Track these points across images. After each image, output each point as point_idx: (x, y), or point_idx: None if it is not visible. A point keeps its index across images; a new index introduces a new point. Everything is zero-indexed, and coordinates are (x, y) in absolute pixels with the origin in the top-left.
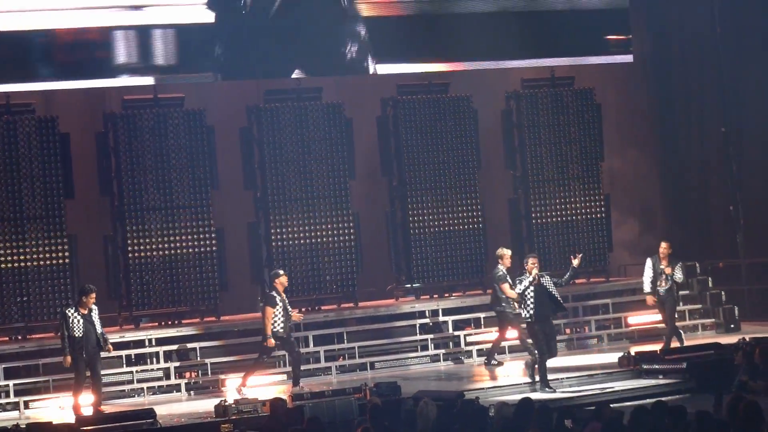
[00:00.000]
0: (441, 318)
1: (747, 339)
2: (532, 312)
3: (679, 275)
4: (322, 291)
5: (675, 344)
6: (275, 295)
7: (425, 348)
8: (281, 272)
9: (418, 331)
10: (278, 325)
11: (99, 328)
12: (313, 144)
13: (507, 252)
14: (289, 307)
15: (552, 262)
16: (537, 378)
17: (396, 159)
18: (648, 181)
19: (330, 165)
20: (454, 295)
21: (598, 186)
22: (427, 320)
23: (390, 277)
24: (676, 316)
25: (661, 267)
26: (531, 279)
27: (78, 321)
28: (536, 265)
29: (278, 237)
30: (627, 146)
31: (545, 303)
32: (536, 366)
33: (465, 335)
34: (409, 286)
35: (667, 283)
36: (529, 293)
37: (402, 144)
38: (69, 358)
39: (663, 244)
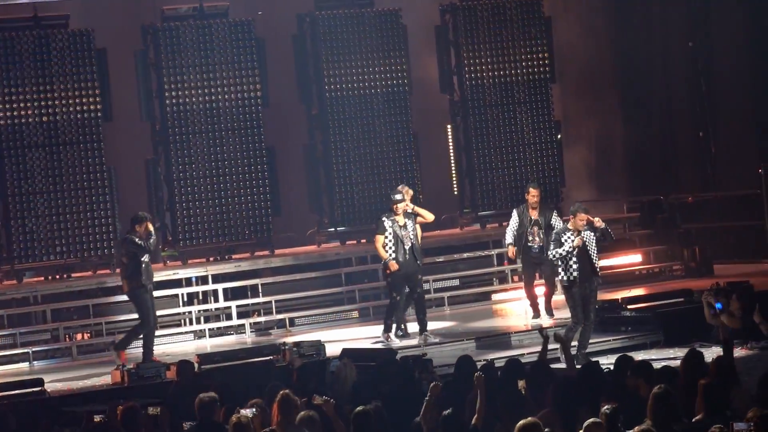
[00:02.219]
0: (370, 266)
1: (721, 284)
2: (576, 275)
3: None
4: (232, 237)
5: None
6: (385, 219)
7: (352, 301)
8: (398, 196)
9: (343, 282)
10: (391, 254)
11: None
12: (219, 68)
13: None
14: (411, 232)
15: (496, 199)
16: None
17: (315, 83)
18: (605, 103)
19: (239, 92)
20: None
21: (548, 112)
22: (353, 269)
23: (311, 220)
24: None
25: (531, 217)
26: (575, 243)
27: (141, 250)
28: (584, 221)
29: (180, 176)
30: (580, 66)
31: (586, 262)
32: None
33: None
34: (332, 230)
35: (539, 240)
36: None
37: (322, 66)
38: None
39: (532, 191)
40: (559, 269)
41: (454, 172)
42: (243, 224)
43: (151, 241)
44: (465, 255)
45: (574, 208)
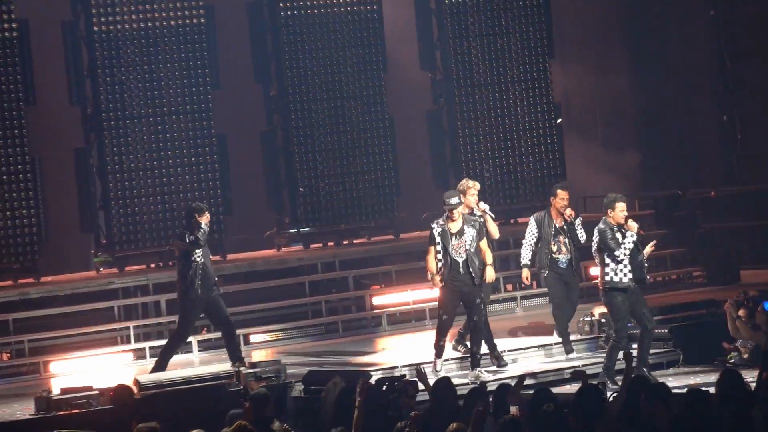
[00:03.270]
0: (338, 273)
1: (750, 293)
2: (629, 278)
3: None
4: (175, 241)
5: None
6: (434, 225)
7: (317, 314)
8: (454, 199)
9: (307, 292)
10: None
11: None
12: (162, 42)
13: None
14: (469, 242)
15: (486, 194)
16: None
17: (275, 60)
18: (614, 85)
19: (185, 69)
20: (355, 242)
21: (546, 93)
22: (318, 276)
23: (269, 220)
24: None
25: (556, 225)
26: (634, 238)
27: (199, 245)
28: (625, 212)
29: (115, 168)
30: (585, 39)
31: (637, 263)
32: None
33: (371, 295)
34: (294, 231)
35: (566, 251)
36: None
37: (282, 40)
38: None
39: (564, 193)
40: (609, 270)
41: (436, 162)
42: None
43: (200, 233)
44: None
45: (609, 200)
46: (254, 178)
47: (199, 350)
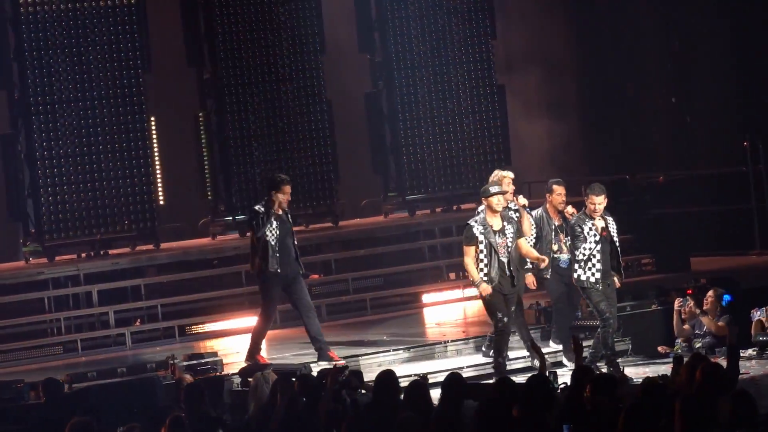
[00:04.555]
0: None
1: (702, 281)
2: (598, 276)
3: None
4: (108, 228)
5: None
6: (474, 224)
7: (255, 304)
8: (495, 187)
9: (244, 281)
10: (484, 271)
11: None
12: (93, 26)
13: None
14: (510, 239)
15: (427, 181)
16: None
17: (207, 41)
18: (557, 65)
19: (116, 53)
20: (293, 229)
21: (489, 75)
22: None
23: (204, 208)
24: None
25: (555, 223)
26: (597, 233)
27: (271, 223)
28: (601, 204)
29: (44, 154)
30: (528, 17)
31: (610, 257)
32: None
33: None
34: (230, 219)
35: (567, 250)
36: (595, 247)
37: (216, 21)
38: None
39: (557, 188)
40: (577, 267)
41: (376, 146)
42: (122, 213)
43: (261, 219)
44: (390, 248)
45: (590, 190)
46: (187, 163)
47: (133, 343)
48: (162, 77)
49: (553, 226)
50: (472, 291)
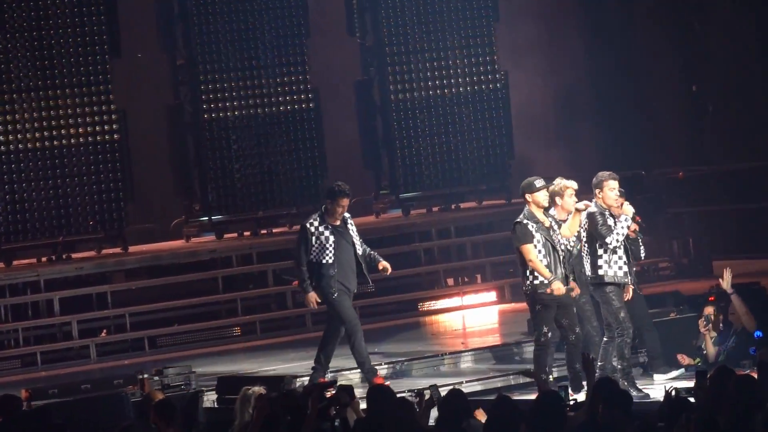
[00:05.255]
0: (255, 266)
1: (721, 287)
2: (626, 267)
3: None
4: (72, 230)
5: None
6: (527, 221)
7: (232, 313)
8: (539, 182)
9: (220, 288)
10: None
11: (360, 246)
12: (56, 7)
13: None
14: (559, 237)
15: (423, 178)
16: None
17: (181, 26)
18: (569, 50)
19: (82, 37)
20: (275, 231)
21: (492, 60)
22: (233, 270)
23: (177, 207)
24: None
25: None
26: (629, 218)
27: (326, 239)
28: (616, 191)
29: (1, 148)
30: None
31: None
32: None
33: (293, 292)
34: (205, 219)
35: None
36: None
37: (190, 3)
38: (312, 296)
39: (613, 183)
40: (601, 262)
41: (367, 140)
42: (86, 213)
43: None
44: (382, 251)
45: (598, 179)
46: (159, 160)
47: (98, 356)
48: (132, 64)
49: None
50: (472, 299)
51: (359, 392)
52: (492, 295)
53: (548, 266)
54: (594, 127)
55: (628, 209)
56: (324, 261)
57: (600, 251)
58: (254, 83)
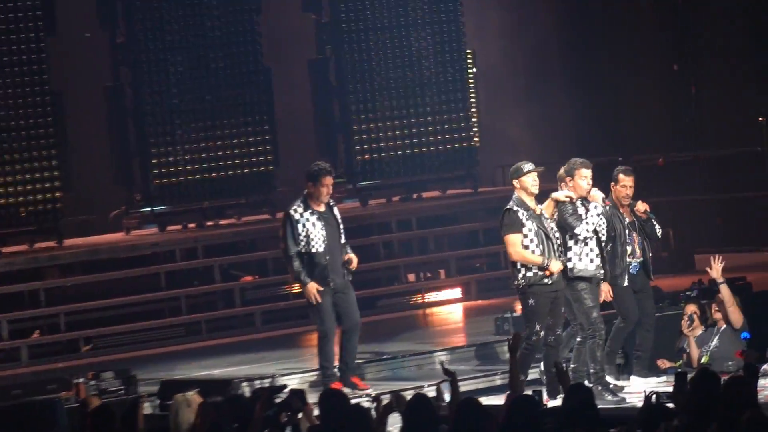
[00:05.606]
0: (201, 261)
1: (705, 282)
2: (598, 264)
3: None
4: (8, 222)
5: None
6: (517, 207)
7: (176, 312)
8: (527, 166)
9: (163, 284)
10: (536, 267)
11: (343, 235)
12: None
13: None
14: (552, 225)
15: (382, 165)
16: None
17: (122, 0)
18: (539, 27)
19: (14, 13)
20: (222, 223)
21: (458, 38)
22: (177, 265)
23: (116, 197)
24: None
25: (626, 219)
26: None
27: (313, 226)
28: (587, 179)
29: None
30: None
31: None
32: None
33: (242, 289)
34: (147, 210)
35: (638, 252)
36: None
37: None
38: (313, 287)
39: (627, 179)
40: (571, 255)
41: (322, 124)
42: (17, 203)
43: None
44: None
45: (570, 167)
46: (97, 145)
47: (29, 358)
48: (68, 42)
49: (626, 223)
50: (435, 295)
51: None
52: (457, 292)
53: (541, 256)
54: (567, 111)
55: (597, 195)
56: (314, 250)
57: (570, 243)
58: (200, 62)
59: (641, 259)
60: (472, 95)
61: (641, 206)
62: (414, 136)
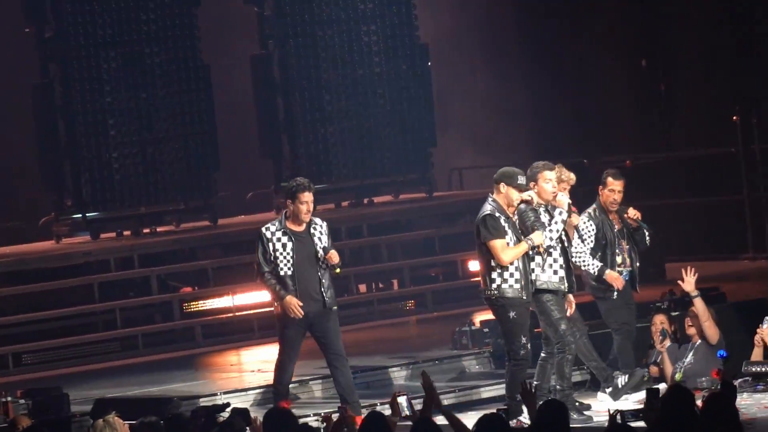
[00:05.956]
0: (137, 271)
1: (677, 293)
2: (562, 276)
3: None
4: None
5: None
6: (499, 214)
7: (110, 326)
8: (522, 179)
9: (96, 297)
10: (514, 276)
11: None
12: None
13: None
14: (537, 234)
15: (331, 166)
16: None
17: None
18: (499, 21)
19: None
20: (159, 230)
21: (410, 32)
22: (111, 276)
23: (45, 203)
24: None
25: (615, 225)
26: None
27: (283, 246)
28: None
29: None
30: None
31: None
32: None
33: (182, 301)
34: (79, 216)
35: (627, 261)
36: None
37: None
38: (292, 300)
39: (616, 183)
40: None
41: (265, 125)
42: None
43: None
44: None
45: (533, 171)
46: (26, 147)
47: None
48: None
49: (615, 230)
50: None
51: None
52: (410, 304)
53: (518, 269)
54: (528, 111)
55: (563, 200)
56: (282, 273)
57: (532, 252)
58: (135, 59)
59: (630, 268)
60: (427, 93)
61: (632, 213)
62: (364, 137)
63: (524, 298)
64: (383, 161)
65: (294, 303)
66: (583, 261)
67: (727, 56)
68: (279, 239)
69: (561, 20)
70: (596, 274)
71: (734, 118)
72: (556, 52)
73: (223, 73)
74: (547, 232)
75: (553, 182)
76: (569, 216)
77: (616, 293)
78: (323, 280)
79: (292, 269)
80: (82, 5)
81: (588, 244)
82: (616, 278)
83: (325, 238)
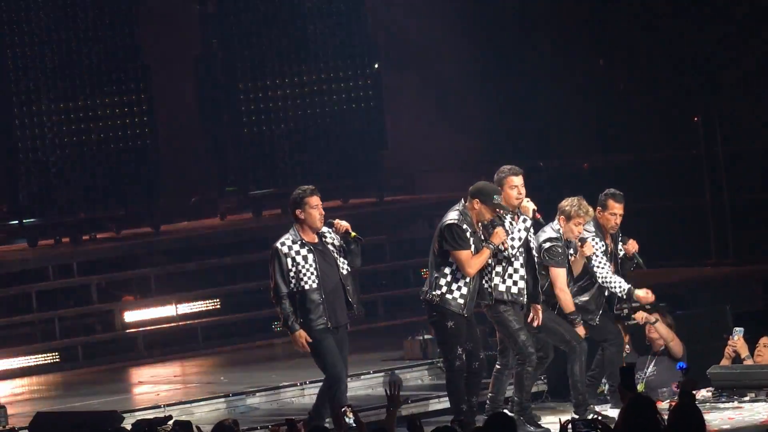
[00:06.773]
0: (78, 279)
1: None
2: (520, 287)
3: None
4: None
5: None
6: (466, 227)
7: (49, 336)
8: (499, 198)
9: (34, 306)
10: (461, 290)
11: (344, 266)
12: None
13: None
14: (513, 246)
15: (277, 171)
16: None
17: None
18: (446, 16)
19: None
20: (99, 237)
21: (365, 29)
22: (50, 284)
23: None
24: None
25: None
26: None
27: (304, 259)
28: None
29: None
30: None
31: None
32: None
33: (123, 310)
34: (15, 223)
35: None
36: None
37: None
38: (301, 335)
39: (617, 206)
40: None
41: (209, 127)
42: None
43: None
44: (229, 260)
45: (498, 177)
46: None
47: None
48: None
49: (609, 252)
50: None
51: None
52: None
53: (467, 284)
54: (480, 112)
55: (528, 206)
56: (306, 287)
57: (492, 261)
58: (72, 58)
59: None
60: (377, 94)
61: (633, 247)
62: (312, 140)
63: (464, 314)
64: (331, 165)
65: (302, 340)
66: (610, 282)
67: (688, 54)
68: (298, 252)
69: (515, 18)
70: (624, 295)
71: (695, 118)
72: (510, 50)
73: (165, 73)
74: (509, 240)
75: (520, 188)
76: (533, 221)
77: (598, 318)
78: (348, 287)
79: (317, 281)
80: (16, 3)
81: (606, 264)
82: (643, 296)
83: (337, 243)
